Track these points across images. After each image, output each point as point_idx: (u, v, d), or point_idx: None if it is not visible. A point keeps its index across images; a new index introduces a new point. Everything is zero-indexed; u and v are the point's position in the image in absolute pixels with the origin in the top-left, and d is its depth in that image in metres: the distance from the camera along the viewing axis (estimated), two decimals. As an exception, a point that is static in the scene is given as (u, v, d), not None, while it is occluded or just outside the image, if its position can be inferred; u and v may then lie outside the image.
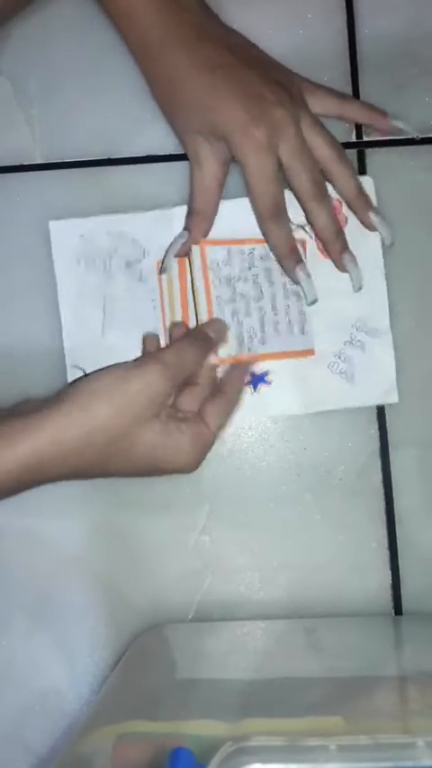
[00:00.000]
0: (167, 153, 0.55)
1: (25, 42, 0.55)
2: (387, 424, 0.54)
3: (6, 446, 0.43)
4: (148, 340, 0.53)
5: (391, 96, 0.54)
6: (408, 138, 0.54)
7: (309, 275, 0.52)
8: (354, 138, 0.55)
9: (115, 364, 0.47)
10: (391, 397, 0.54)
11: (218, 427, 0.49)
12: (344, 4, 0.55)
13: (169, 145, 0.55)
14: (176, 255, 0.53)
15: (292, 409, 0.54)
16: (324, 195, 0.51)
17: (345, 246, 0.52)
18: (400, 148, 0.55)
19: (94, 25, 0.54)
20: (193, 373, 0.50)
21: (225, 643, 0.52)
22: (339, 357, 0.54)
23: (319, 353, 0.54)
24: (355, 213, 0.53)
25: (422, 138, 0.54)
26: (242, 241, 0.54)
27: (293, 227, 0.53)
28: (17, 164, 0.55)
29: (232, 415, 0.51)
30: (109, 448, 0.45)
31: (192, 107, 0.50)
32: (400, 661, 0.48)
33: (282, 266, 0.52)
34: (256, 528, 0.54)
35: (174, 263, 0.53)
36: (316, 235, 0.52)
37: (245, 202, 0.52)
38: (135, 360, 0.47)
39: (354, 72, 0.55)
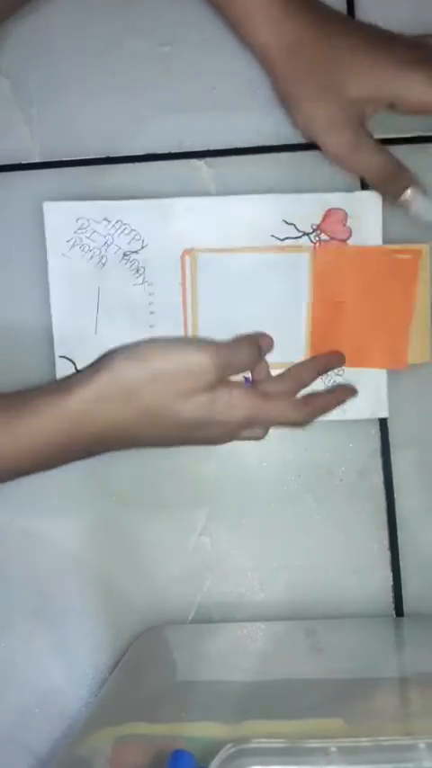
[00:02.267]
0: (166, 151, 0.55)
1: (24, 41, 0.55)
2: (388, 424, 0.54)
3: (36, 412, 0.43)
4: None
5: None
6: (408, 137, 0.54)
7: None
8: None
9: (162, 338, 0.46)
10: (382, 412, 0.53)
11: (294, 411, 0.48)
12: (345, 1, 0.55)
13: (168, 143, 0.55)
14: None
15: None
16: None
17: None
18: (401, 147, 0.54)
19: (93, 24, 0.54)
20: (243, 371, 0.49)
21: (225, 644, 0.51)
22: (333, 370, 0.54)
23: None
24: None
25: (422, 137, 0.54)
26: (241, 249, 0.53)
27: (299, 233, 0.53)
28: (16, 162, 0.55)
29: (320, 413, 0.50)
30: (145, 412, 0.44)
31: (338, 61, 0.47)
32: (401, 663, 0.48)
33: None
34: (257, 529, 0.54)
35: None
36: None
37: (249, 201, 0.53)
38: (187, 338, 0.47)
39: (354, 71, 0.55)
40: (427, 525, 0.54)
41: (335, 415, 0.53)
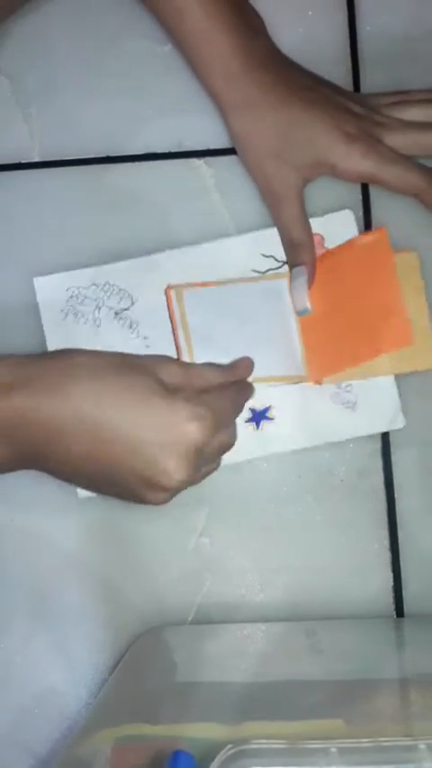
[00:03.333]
0: (166, 151, 0.55)
1: (24, 40, 0.55)
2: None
3: None
4: None
5: (392, 94, 0.54)
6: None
7: None
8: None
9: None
10: (398, 423, 0.53)
11: (233, 408, 0.46)
12: (345, 1, 0.55)
13: (168, 143, 0.55)
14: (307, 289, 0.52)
15: (298, 444, 0.53)
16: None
17: None
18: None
19: (92, 23, 0.54)
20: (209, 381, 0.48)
21: (225, 645, 0.51)
22: (341, 387, 0.53)
23: (322, 386, 0.53)
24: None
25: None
26: (223, 282, 0.54)
27: (278, 264, 0.53)
28: (15, 162, 0.55)
29: (243, 404, 0.50)
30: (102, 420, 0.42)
31: (280, 129, 0.49)
32: (402, 663, 0.48)
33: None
34: (257, 529, 0.54)
35: (308, 300, 0.52)
36: None
37: (227, 243, 0.54)
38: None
39: (355, 70, 0.55)
40: (428, 525, 0.54)
41: (348, 433, 0.53)
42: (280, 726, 0.35)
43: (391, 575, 0.54)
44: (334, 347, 0.53)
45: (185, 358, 0.53)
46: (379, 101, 0.52)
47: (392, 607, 0.54)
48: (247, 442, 0.53)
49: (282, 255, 0.53)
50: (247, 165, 0.52)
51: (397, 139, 0.50)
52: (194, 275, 0.54)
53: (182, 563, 0.54)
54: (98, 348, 0.49)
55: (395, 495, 0.54)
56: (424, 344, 0.53)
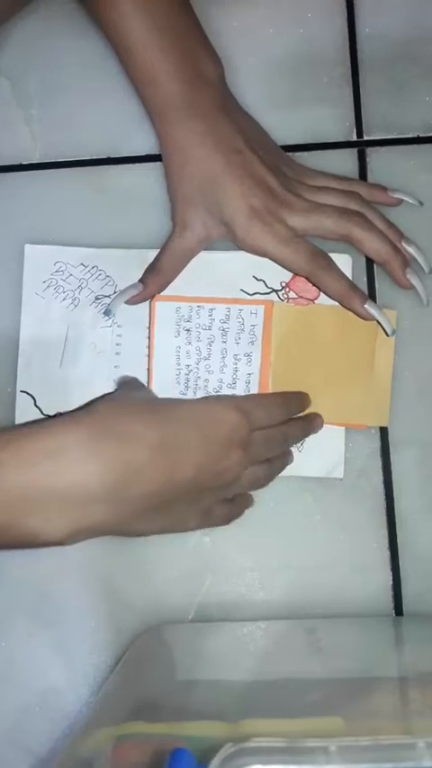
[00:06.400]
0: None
1: (25, 42, 0.55)
2: (388, 424, 0.54)
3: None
4: None
5: (392, 96, 0.54)
6: (408, 138, 0.54)
7: (380, 308, 0.51)
8: (354, 138, 0.55)
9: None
10: (337, 473, 0.54)
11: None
12: (344, 3, 0.55)
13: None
14: (126, 303, 0.53)
15: None
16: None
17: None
18: (401, 147, 0.55)
19: (93, 24, 0.54)
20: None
21: (225, 644, 0.51)
22: None
23: None
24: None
25: (422, 138, 0.54)
26: (205, 299, 0.54)
27: (267, 290, 0.53)
28: (16, 163, 0.55)
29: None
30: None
31: (198, 182, 0.50)
32: (401, 662, 0.48)
33: (349, 308, 0.52)
34: (257, 528, 0.54)
35: (118, 308, 0.53)
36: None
37: (221, 257, 0.53)
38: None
39: (354, 72, 0.55)
40: (427, 525, 0.54)
41: (288, 471, 0.53)
42: (280, 724, 0.36)
43: (390, 573, 0.54)
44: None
45: (153, 366, 0.54)
46: (305, 176, 0.52)
47: (391, 606, 0.54)
48: None
49: (272, 282, 0.53)
50: (168, 195, 0.53)
51: (298, 221, 0.50)
52: (184, 279, 0.54)
53: (182, 561, 0.54)
54: (72, 327, 0.53)
55: (394, 495, 0.54)
56: (380, 403, 0.53)
